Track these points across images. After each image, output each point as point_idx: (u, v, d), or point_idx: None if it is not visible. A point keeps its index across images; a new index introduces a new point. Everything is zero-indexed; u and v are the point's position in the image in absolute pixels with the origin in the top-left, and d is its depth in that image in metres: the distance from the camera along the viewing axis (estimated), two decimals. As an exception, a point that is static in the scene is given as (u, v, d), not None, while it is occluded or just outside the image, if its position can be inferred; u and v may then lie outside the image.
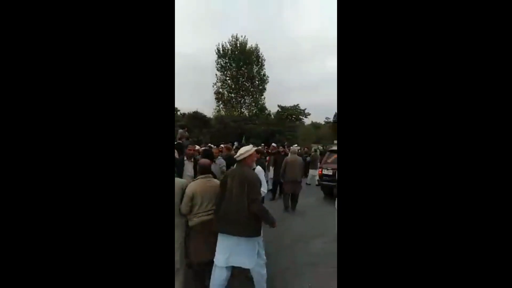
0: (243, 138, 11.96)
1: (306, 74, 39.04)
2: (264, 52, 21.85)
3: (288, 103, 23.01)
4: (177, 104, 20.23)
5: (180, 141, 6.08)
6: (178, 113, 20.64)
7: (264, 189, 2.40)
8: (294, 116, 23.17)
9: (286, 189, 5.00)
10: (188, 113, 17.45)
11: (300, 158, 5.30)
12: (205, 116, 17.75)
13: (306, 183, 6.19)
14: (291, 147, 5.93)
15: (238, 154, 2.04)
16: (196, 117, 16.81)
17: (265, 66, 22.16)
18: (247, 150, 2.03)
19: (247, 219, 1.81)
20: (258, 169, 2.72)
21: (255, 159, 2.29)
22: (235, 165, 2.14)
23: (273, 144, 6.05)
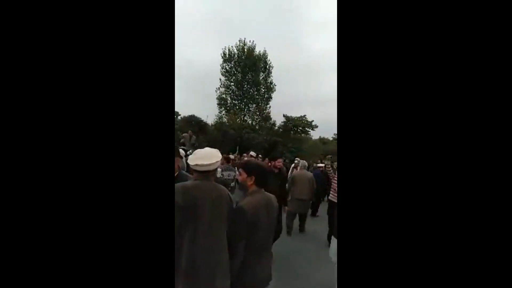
0: (237, 149, 10.42)
1: (317, 89, 37.41)
2: (273, 60, 20.79)
3: (295, 114, 21.44)
4: (182, 110, 19.31)
5: (184, 147, 5.37)
6: (179, 117, 19.62)
7: None
8: (300, 128, 21.58)
9: (292, 208, 4.21)
10: (184, 116, 16.24)
11: (310, 174, 4.63)
12: (201, 121, 16.47)
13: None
14: (301, 161, 5.05)
15: (205, 159, 1.39)
16: (191, 122, 15.54)
17: (272, 74, 21.03)
18: (217, 155, 1.46)
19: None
20: None
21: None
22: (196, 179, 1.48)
23: (280, 159, 4.21)
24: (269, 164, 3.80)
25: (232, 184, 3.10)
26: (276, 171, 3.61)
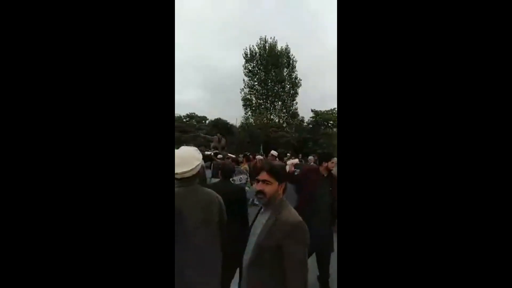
0: (261, 149, 9.90)
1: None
2: (297, 56, 19.94)
3: (324, 108, 20.21)
4: (210, 114, 19.53)
5: (216, 151, 5.48)
6: (206, 121, 19.93)
7: None
8: (331, 122, 20.35)
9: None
10: (210, 120, 16.41)
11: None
12: (227, 123, 16.44)
13: None
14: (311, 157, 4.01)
15: (184, 165, 1.23)
16: (218, 125, 15.58)
17: (297, 69, 20.20)
18: (196, 156, 1.29)
19: None
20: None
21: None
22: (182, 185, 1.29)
23: (334, 158, 2.85)
24: (324, 165, 2.30)
25: (247, 188, 2.64)
26: (326, 174, 2.37)
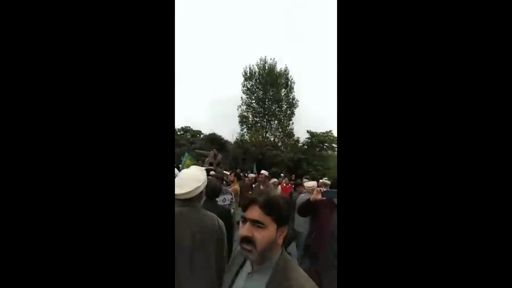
0: (254, 166, 9.53)
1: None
2: (296, 76, 20.35)
3: (320, 130, 20.26)
4: (205, 129, 19.31)
5: (210, 167, 5.20)
6: (201, 136, 19.66)
7: None
8: (326, 144, 20.33)
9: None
10: (204, 134, 16.18)
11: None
12: (222, 139, 16.21)
13: None
14: (307, 182, 3.31)
15: (183, 187, 1.18)
16: (212, 140, 15.33)
17: (294, 90, 20.52)
18: (199, 178, 1.23)
19: None
20: None
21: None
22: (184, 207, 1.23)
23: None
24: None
25: (232, 210, 2.28)
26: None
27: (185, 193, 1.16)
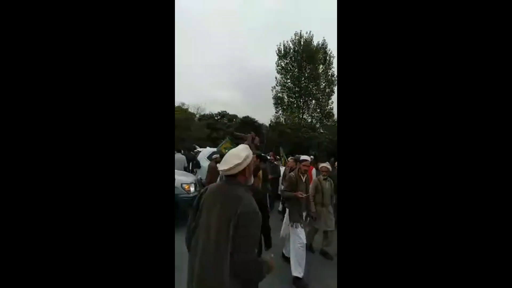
0: (280, 149, 8.88)
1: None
2: (334, 50, 18.34)
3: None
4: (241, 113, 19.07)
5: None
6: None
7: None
8: (370, 124, 18.33)
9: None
10: (238, 118, 15.85)
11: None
12: (256, 122, 15.69)
13: None
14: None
15: (224, 164, 1.25)
16: (246, 123, 14.91)
17: (334, 66, 18.60)
18: (239, 155, 1.26)
19: None
20: None
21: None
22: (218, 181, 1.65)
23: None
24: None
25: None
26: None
27: (226, 169, 1.22)
